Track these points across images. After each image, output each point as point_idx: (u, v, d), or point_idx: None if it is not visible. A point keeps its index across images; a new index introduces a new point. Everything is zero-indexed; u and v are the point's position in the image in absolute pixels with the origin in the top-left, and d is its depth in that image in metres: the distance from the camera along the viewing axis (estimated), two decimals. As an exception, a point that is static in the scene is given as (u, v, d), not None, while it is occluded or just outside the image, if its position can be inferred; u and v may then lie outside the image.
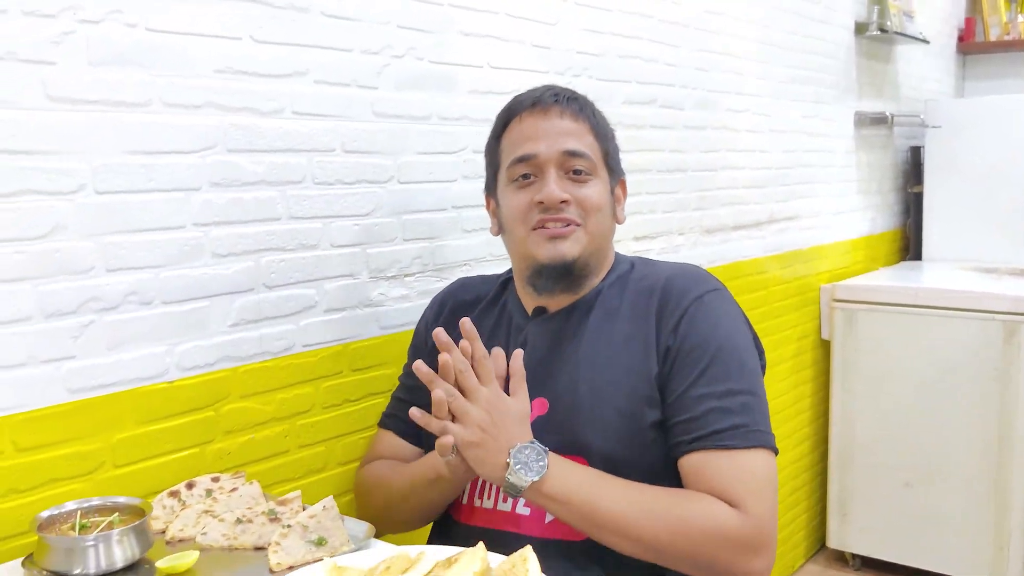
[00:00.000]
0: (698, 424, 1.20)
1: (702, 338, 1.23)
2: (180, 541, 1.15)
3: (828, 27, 3.03)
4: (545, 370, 1.30)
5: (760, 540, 1.16)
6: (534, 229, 1.28)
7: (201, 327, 1.33)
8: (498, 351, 1.22)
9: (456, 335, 1.18)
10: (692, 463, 1.20)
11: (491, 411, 1.16)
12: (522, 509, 1.25)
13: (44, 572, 1.03)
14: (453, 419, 1.16)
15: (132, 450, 1.25)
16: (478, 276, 1.54)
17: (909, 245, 3.69)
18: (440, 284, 1.67)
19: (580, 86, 1.72)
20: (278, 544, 1.09)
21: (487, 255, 1.77)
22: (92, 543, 1.02)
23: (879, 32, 3.20)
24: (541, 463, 1.15)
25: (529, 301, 1.37)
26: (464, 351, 1.17)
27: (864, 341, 2.99)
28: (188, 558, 1.06)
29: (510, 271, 1.45)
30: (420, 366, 1.17)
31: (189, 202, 1.30)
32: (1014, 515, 2.73)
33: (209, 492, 1.23)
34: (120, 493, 1.17)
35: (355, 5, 1.49)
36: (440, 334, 1.17)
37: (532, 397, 1.26)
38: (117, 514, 1.08)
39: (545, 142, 1.28)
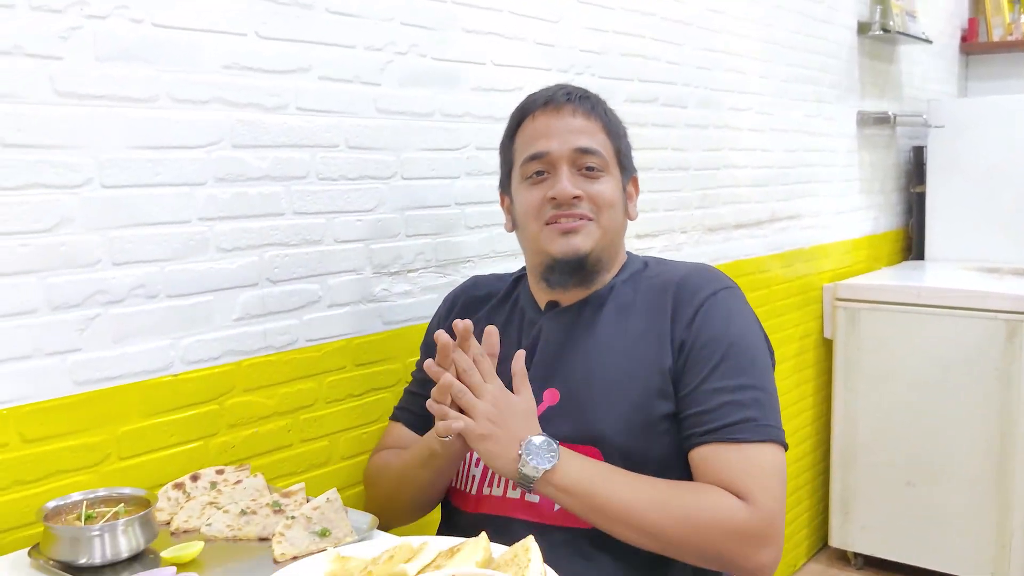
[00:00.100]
0: (710, 417, 1.22)
1: (716, 333, 1.26)
2: (185, 532, 1.15)
3: (831, 27, 3.03)
4: (558, 361, 1.32)
5: (768, 533, 1.17)
6: (547, 224, 1.30)
7: (206, 321, 1.34)
8: (491, 329, 1.24)
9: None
10: (703, 455, 1.22)
11: (497, 405, 1.18)
12: (531, 496, 1.27)
13: (50, 562, 1.04)
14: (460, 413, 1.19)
15: (137, 442, 1.26)
16: (491, 274, 1.56)
17: (911, 245, 3.69)
18: (443, 280, 1.68)
19: (582, 84, 1.72)
20: (282, 535, 1.09)
21: (490, 251, 1.78)
22: (98, 533, 1.03)
23: (882, 32, 3.20)
24: (552, 454, 1.17)
25: (542, 296, 1.39)
26: (464, 350, 1.20)
27: (866, 340, 2.99)
28: (193, 548, 1.07)
29: (522, 269, 1.47)
30: (431, 365, 1.20)
31: (194, 197, 1.31)
32: (1016, 514, 2.74)
33: (213, 484, 1.24)
34: (125, 485, 1.18)
35: (359, 2, 1.50)
36: (441, 336, 1.19)
37: (544, 388, 1.29)
38: (122, 505, 1.09)
39: (558, 140, 1.30)
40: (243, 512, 1.17)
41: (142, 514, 1.06)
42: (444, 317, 1.47)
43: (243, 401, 1.39)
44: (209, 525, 1.15)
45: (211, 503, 1.19)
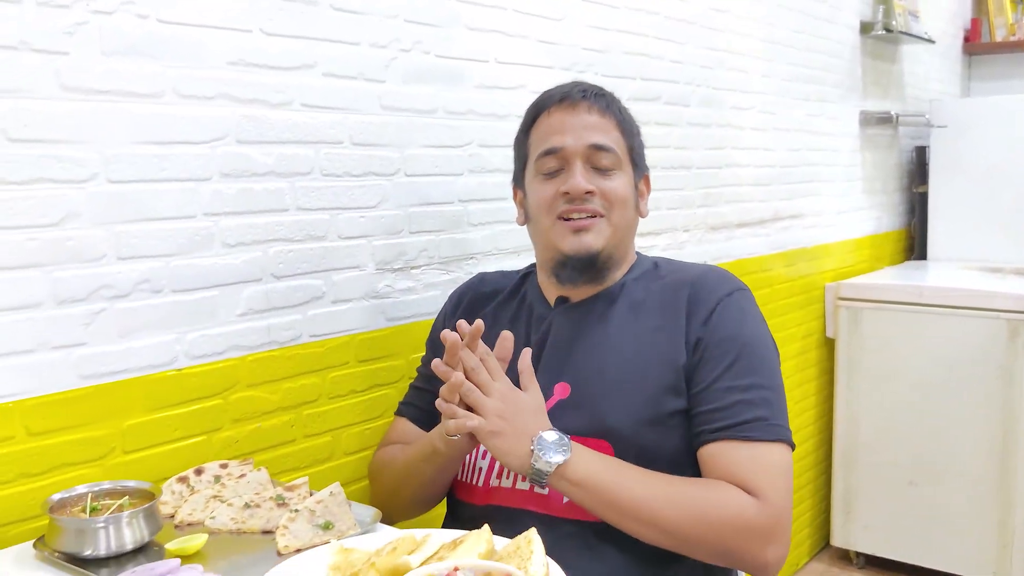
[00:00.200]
0: (723, 415, 1.23)
1: (731, 333, 1.27)
2: (189, 525, 1.16)
3: (833, 26, 3.03)
4: (569, 355, 1.33)
5: (776, 529, 1.19)
6: (559, 219, 1.31)
7: (210, 316, 1.34)
8: (506, 334, 1.25)
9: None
10: (713, 451, 1.23)
11: (506, 402, 1.19)
12: (540, 488, 1.27)
13: (55, 553, 1.05)
14: (469, 411, 1.19)
15: (141, 436, 1.27)
16: (498, 271, 1.56)
17: (914, 244, 3.70)
18: (447, 276, 1.68)
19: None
20: (286, 528, 1.10)
21: (494, 248, 1.79)
22: (103, 525, 1.04)
23: (884, 32, 3.21)
24: (564, 448, 1.18)
25: (552, 291, 1.40)
26: (471, 349, 1.20)
27: (868, 339, 2.99)
28: (197, 541, 1.08)
29: (530, 266, 1.48)
30: (439, 365, 1.21)
31: (199, 192, 1.31)
32: (1018, 513, 2.74)
33: (217, 478, 1.25)
34: (129, 478, 1.18)
35: (363, -1, 1.51)
36: (448, 335, 1.20)
37: (554, 381, 1.30)
38: (127, 497, 1.10)
39: (572, 136, 1.32)
40: (247, 505, 1.17)
41: (146, 507, 1.07)
42: (450, 314, 1.47)
43: (247, 396, 1.39)
44: (213, 518, 1.16)
45: (215, 496, 1.20)
